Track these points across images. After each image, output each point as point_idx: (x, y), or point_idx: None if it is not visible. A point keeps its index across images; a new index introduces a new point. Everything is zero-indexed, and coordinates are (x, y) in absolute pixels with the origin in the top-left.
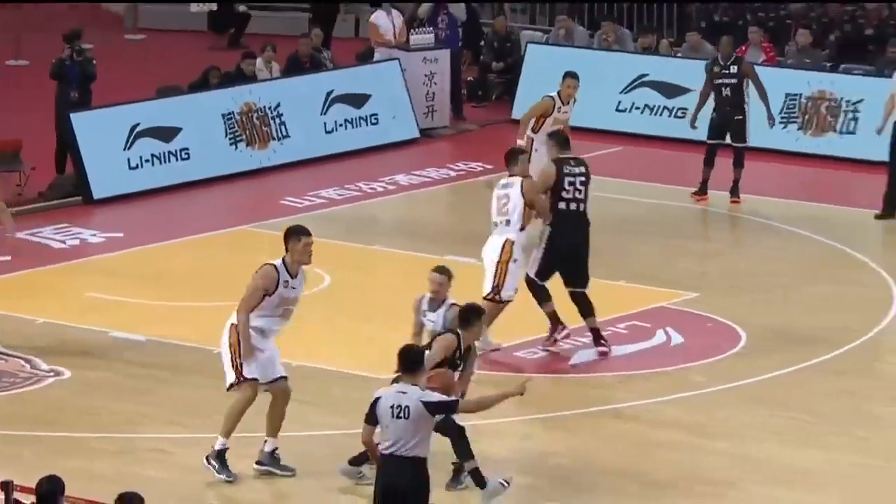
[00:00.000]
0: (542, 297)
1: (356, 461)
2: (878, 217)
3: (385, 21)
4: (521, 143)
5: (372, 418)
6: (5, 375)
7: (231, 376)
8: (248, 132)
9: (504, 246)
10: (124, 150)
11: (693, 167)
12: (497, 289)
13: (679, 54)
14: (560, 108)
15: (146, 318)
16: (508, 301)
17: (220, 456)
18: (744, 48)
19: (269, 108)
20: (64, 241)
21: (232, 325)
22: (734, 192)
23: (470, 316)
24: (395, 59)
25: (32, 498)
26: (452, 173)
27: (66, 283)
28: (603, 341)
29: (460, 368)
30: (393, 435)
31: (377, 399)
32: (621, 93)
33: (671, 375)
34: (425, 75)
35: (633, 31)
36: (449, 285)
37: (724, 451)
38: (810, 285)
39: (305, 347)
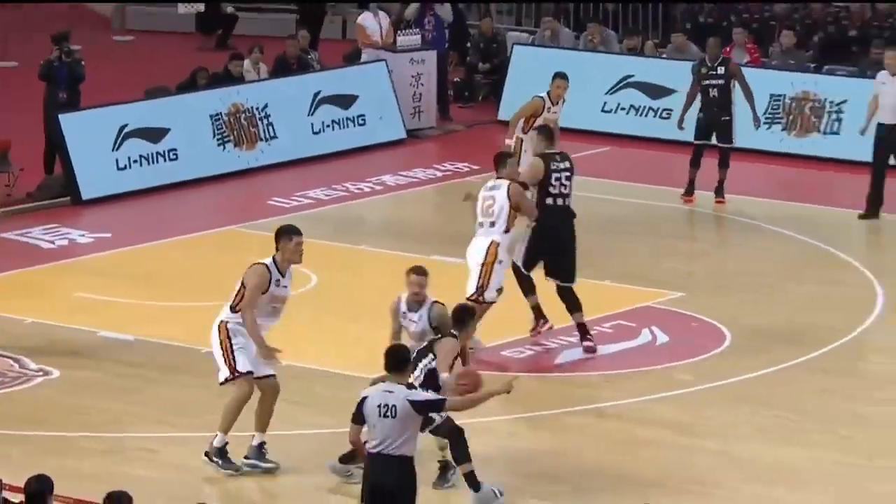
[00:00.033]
0: (527, 288)
1: (346, 459)
2: (861, 217)
3: (372, 22)
4: (509, 142)
5: (359, 417)
6: None
7: (225, 372)
8: (235, 133)
9: (489, 248)
10: (113, 150)
11: (679, 168)
12: (481, 290)
13: (664, 55)
14: (550, 108)
15: (135, 318)
16: (492, 303)
17: (222, 452)
18: (728, 49)
19: (257, 108)
20: (53, 242)
21: (221, 322)
22: (719, 192)
23: (464, 316)
24: (382, 61)
25: (21, 497)
26: (439, 174)
27: (54, 283)
28: (589, 336)
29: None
30: (380, 434)
31: (364, 398)
32: (607, 94)
33: (657, 374)
34: (412, 76)
35: (619, 32)
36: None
37: (710, 449)
38: (795, 285)
39: (293, 347)
